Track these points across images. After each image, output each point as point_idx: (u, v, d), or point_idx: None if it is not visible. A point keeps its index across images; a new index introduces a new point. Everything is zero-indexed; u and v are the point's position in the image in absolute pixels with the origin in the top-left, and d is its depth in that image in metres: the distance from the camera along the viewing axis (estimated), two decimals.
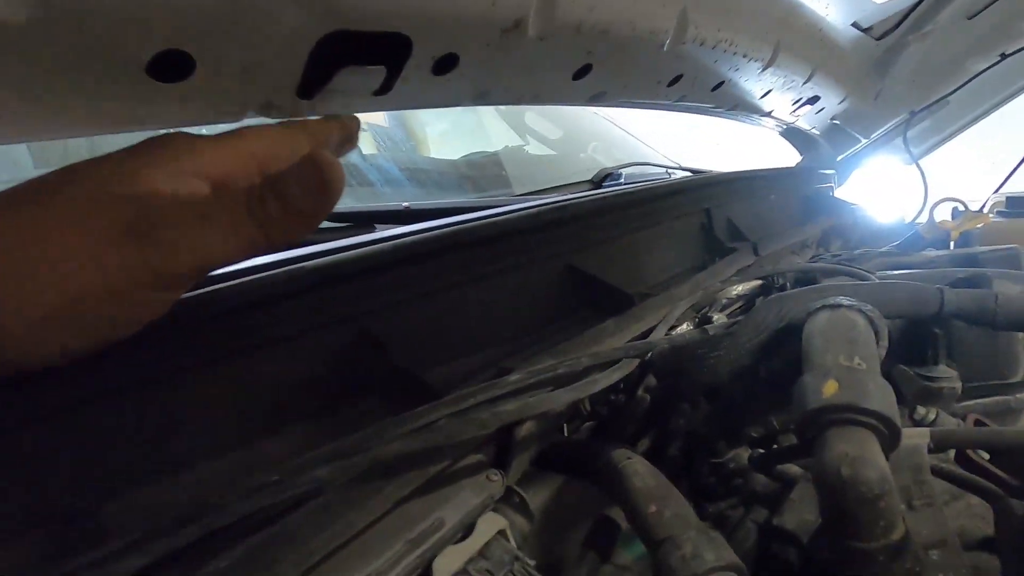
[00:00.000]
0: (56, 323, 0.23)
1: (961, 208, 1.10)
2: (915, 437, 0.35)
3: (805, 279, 0.71)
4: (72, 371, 0.26)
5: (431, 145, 1.35)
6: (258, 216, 0.25)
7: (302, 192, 0.26)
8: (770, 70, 0.79)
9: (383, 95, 0.41)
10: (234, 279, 0.34)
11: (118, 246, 0.23)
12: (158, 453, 0.29)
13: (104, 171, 0.25)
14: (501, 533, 0.34)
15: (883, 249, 0.95)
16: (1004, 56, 1.15)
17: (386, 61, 0.38)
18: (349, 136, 0.35)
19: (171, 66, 0.29)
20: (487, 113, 1.44)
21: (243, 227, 0.25)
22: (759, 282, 0.71)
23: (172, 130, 0.29)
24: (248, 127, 0.30)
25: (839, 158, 1.38)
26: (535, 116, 1.45)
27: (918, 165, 1.26)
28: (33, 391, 0.25)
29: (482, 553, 0.32)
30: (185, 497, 0.27)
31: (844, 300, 0.40)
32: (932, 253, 0.81)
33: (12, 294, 0.22)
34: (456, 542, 0.32)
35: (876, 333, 0.38)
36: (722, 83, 0.75)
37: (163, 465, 0.29)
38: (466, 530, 0.33)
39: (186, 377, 0.30)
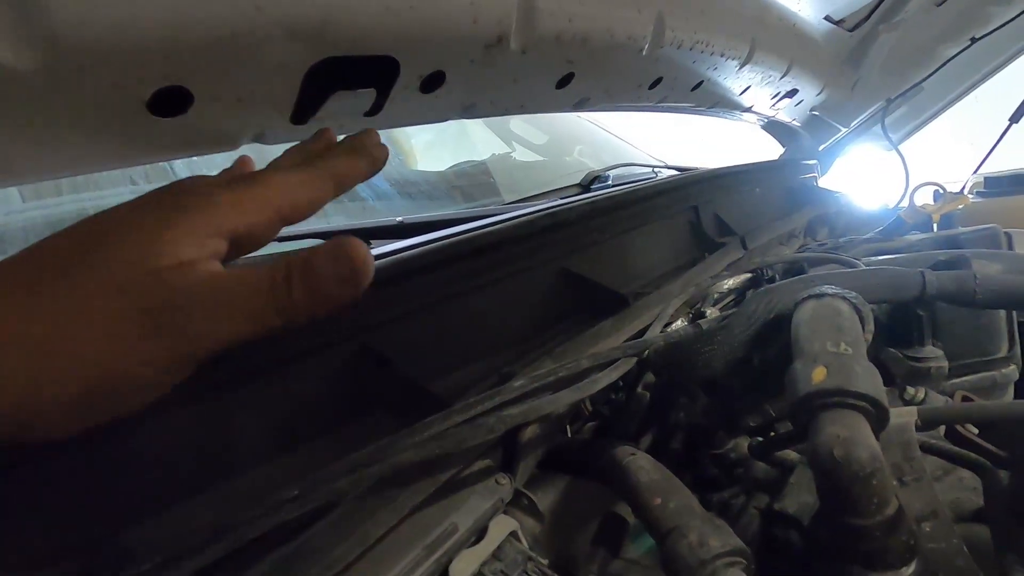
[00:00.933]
0: (75, 408, 0.23)
1: (941, 191, 1.12)
2: (903, 416, 0.36)
3: (793, 269, 0.73)
4: None
5: (418, 156, 1.36)
6: (282, 299, 0.25)
7: (332, 281, 0.25)
8: (747, 67, 0.81)
9: (374, 115, 0.42)
10: None
11: (142, 336, 0.23)
12: (177, 476, 0.30)
13: (128, 247, 0.24)
14: (513, 535, 0.35)
15: (867, 236, 0.97)
16: (974, 40, 1.17)
17: (375, 83, 0.39)
18: (376, 168, 0.34)
19: (170, 101, 0.30)
20: (473, 120, 1.45)
21: (266, 311, 0.25)
22: (749, 275, 0.72)
23: (182, 164, 0.30)
24: (271, 172, 0.29)
25: (821, 148, 1.41)
26: (520, 122, 1.47)
27: (898, 150, 1.29)
28: None
29: (496, 555, 0.33)
30: (208, 517, 0.28)
31: (829, 289, 0.41)
32: (915, 237, 0.83)
33: (36, 379, 0.21)
34: (470, 546, 0.33)
35: (861, 318, 0.39)
36: (701, 82, 0.77)
37: (182, 488, 0.30)
38: (479, 533, 0.33)
39: (200, 401, 0.31)
